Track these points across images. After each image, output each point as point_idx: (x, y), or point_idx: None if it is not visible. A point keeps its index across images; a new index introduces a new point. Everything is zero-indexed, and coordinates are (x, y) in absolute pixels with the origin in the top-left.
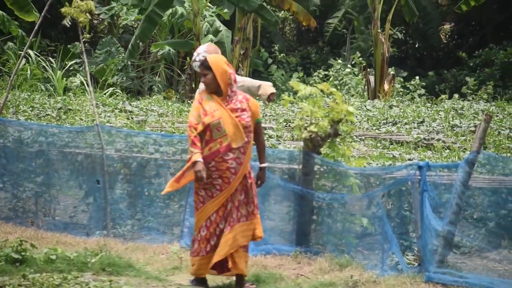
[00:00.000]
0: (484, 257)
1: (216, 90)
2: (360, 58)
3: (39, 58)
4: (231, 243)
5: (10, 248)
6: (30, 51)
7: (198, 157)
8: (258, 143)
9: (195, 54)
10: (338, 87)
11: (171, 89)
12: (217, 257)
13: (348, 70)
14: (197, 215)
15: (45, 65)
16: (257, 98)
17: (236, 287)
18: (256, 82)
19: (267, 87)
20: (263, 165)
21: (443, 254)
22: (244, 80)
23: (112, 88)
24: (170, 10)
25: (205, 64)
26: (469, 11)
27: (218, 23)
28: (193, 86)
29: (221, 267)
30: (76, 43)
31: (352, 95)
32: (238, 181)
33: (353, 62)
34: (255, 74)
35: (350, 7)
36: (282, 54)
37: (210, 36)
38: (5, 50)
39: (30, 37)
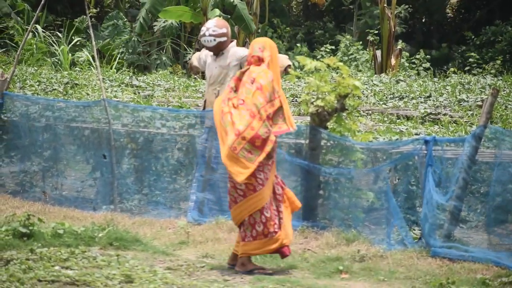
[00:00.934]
0: (491, 231)
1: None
2: (370, 35)
3: (45, 33)
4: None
5: (17, 222)
6: (37, 26)
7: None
8: None
9: (203, 29)
10: (347, 63)
11: (178, 64)
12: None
13: (357, 45)
14: (255, 197)
15: (51, 40)
16: None
17: None
18: None
19: (283, 59)
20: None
21: (449, 229)
22: None
23: (121, 64)
24: None
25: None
26: None
27: None
28: None
29: None
30: (83, 16)
31: (360, 70)
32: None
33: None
34: None
35: None
36: (286, 28)
37: (217, 11)
38: (12, 24)
39: (37, 11)
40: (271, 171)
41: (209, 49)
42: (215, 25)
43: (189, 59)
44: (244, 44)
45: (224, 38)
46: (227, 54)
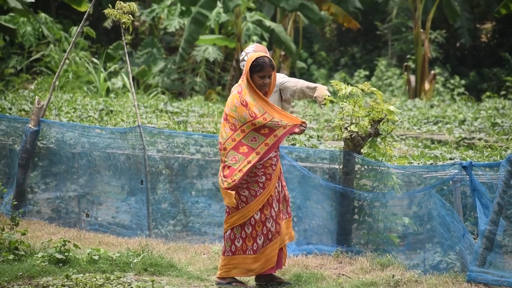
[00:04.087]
0: None
1: (266, 91)
2: (409, 60)
3: (82, 60)
4: (281, 241)
5: (53, 248)
6: (81, 55)
7: (236, 175)
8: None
9: (243, 53)
10: (381, 88)
11: (212, 90)
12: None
13: (392, 70)
14: (238, 214)
15: (88, 66)
16: (311, 99)
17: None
18: (312, 84)
19: (323, 90)
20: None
21: (484, 254)
22: (298, 82)
23: (156, 91)
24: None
25: (272, 64)
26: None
27: (267, 22)
28: None
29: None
30: (118, 41)
31: (394, 95)
32: (277, 176)
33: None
34: (295, 74)
35: (396, 8)
36: (322, 53)
37: (255, 37)
38: (49, 52)
39: (73, 39)
40: (265, 188)
41: None
42: (253, 50)
43: (225, 84)
44: (279, 69)
45: None
46: None
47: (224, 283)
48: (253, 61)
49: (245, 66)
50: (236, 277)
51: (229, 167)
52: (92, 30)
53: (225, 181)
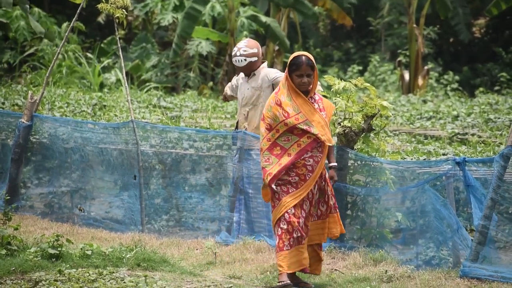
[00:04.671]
0: None
1: (306, 90)
2: (402, 55)
3: (76, 54)
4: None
5: (46, 243)
6: (70, 49)
7: (267, 178)
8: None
9: (235, 49)
10: (375, 83)
11: (205, 85)
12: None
13: (385, 66)
14: (274, 212)
15: (82, 61)
16: None
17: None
18: None
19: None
20: (333, 164)
21: (478, 249)
22: (282, 75)
23: (149, 85)
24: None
25: (310, 64)
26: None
27: (262, 17)
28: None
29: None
30: (111, 36)
31: (388, 91)
32: (315, 180)
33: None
34: None
35: (389, 3)
36: (316, 49)
37: (245, 32)
38: (42, 47)
39: (66, 33)
40: (298, 188)
41: (240, 69)
42: (246, 45)
43: (218, 80)
44: (272, 64)
45: (255, 58)
46: (258, 75)
47: (284, 283)
48: (291, 60)
49: (287, 66)
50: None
51: (263, 168)
52: (82, 25)
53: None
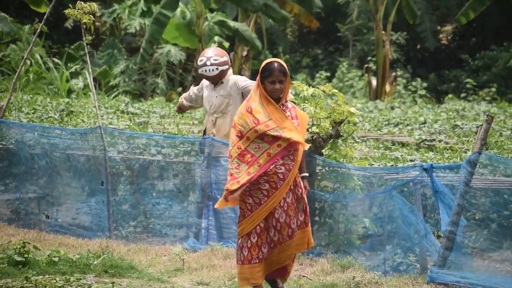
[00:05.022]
0: (486, 258)
1: (278, 97)
2: (370, 61)
3: (44, 59)
4: (285, 256)
5: (13, 250)
6: (36, 52)
7: (233, 186)
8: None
9: (203, 58)
10: (343, 89)
11: (173, 91)
12: (274, 267)
13: (353, 72)
14: (245, 222)
15: (50, 66)
16: None
17: None
18: None
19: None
20: (304, 174)
21: (445, 255)
22: (252, 83)
23: (119, 91)
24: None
25: (282, 70)
26: None
27: (230, 22)
28: None
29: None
30: (79, 42)
31: (356, 97)
32: (287, 188)
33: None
34: (257, 75)
35: (357, 9)
36: (286, 56)
37: (216, 38)
38: (9, 52)
39: (33, 39)
40: (270, 197)
41: (210, 78)
42: (215, 54)
43: (186, 85)
44: (240, 71)
45: (226, 67)
46: (226, 82)
47: None
48: (263, 67)
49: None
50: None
51: (231, 174)
52: (45, 26)
53: (225, 187)
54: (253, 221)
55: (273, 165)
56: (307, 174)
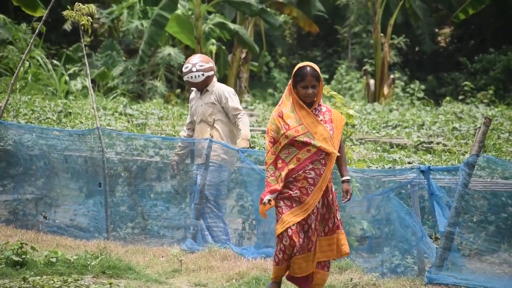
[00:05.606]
0: (484, 259)
1: (311, 102)
2: (368, 64)
3: (43, 61)
4: (311, 258)
5: (10, 251)
6: (35, 54)
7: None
8: (340, 156)
9: (188, 65)
10: (341, 92)
11: (171, 92)
12: (297, 273)
13: (352, 74)
14: (278, 227)
15: (49, 68)
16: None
17: None
18: (242, 128)
19: (242, 142)
20: (346, 177)
21: (443, 256)
22: (236, 110)
23: (118, 93)
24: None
25: (315, 74)
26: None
27: (230, 24)
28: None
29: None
30: (78, 43)
31: (354, 99)
32: (319, 193)
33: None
34: (255, 77)
35: (356, 12)
36: (283, 58)
37: (213, 40)
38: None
39: (31, 40)
40: (302, 202)
41: (195, 85)
42: (201, 60)
43: (186, 87)
44: (238, 73)
45: (212, 73)
46: (211, 90)
47: None
48: (295, 71)
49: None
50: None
51: (268, 183)
52: (43, 26)
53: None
54: (284, 223)
55: (302, 170)
56: (348, 178)
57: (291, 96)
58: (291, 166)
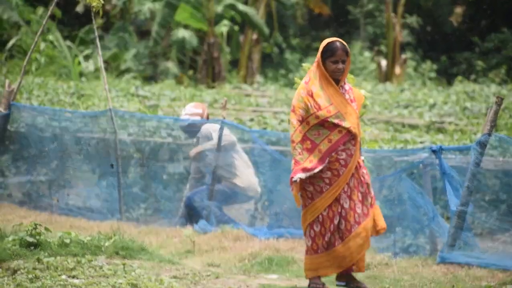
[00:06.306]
0: (496, 239)
1: (338, 79)
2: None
3: (58, 43)
4: (357, 246)
5: (24, 232)
6: (50, 36)
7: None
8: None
9: (186, 110)
10: (355, 72)
11: (183, 74)
12: (347, 263)
13: (365, 54)
14: (306, 211)
15: (64, 49)
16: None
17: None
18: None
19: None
20: (361, 158)
21: (455, 235)
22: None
23: (130, 75)
24: None
25: (345, 49)
26: None
27: (240, 6)
28: (212, 69)
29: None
30: (89, 26)
31: (365, 80)
32: (349, 174)
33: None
34: (267, 59)
35: None
36: (296, 39)
37: (225, 21)
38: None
39: (44, 22)
40: (332, 185)
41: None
42: (194, 106)
43: (198, 68)
44: (249, 54)
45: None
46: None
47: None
48: (324, 46)
49: (318, 53)
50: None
51: (296, 161)
52: (58, 10)
53: (291, 176)
54: (314, 210)
55: (335, 152)
56: (362, 158)
57: (318, 72)
58: (322, 147)
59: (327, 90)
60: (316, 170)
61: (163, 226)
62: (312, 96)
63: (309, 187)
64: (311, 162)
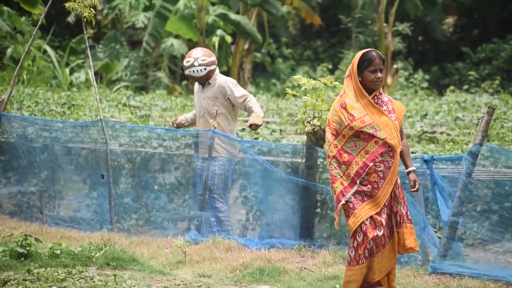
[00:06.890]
0: (488, 249)
1: (373, 89)
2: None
3: (47, 53)
4: (390, 258)
5: (15, 242)
6: (40, 45)
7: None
8: (404, 147)
9: (190, 59)
10: None
11: (175, 84)
12: (384, 271)
13: None
14: (351, 222)
15: (53, 60)
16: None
17: None
18: (254, 107)
19: (255, 119)
20: (412, 168)
21: (447, 245)
22: (243, 96)
23: (121, 85)
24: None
25: (382, 58)
26: (472, 4)
27: (232, 15)
28: None
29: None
30: (81, 35)
31: None
32: (390, 186)
33: None
34: (259, 68)
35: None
36: (289, 50)
37: (218, 31)
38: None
39: (34, 32)
40: (373, 197)
41: (198, 79)
42: (203, 54)
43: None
44: (241, 64)
45: (214, 66)
46: (213, 84)
47: None
48: (361, 57)
49: (351, 66)
50: None
51: (332, 176)
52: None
53: (336, 197)
54: (356, 219)
55: (372, 163)
56: (413, 168)
57: (352, 85)
58: (359, 159)
59: (361, 101)
60: (348, 196)
61: (154, 237)
62: (345, 108)
63: (351, 198)
64: (349, 176)
